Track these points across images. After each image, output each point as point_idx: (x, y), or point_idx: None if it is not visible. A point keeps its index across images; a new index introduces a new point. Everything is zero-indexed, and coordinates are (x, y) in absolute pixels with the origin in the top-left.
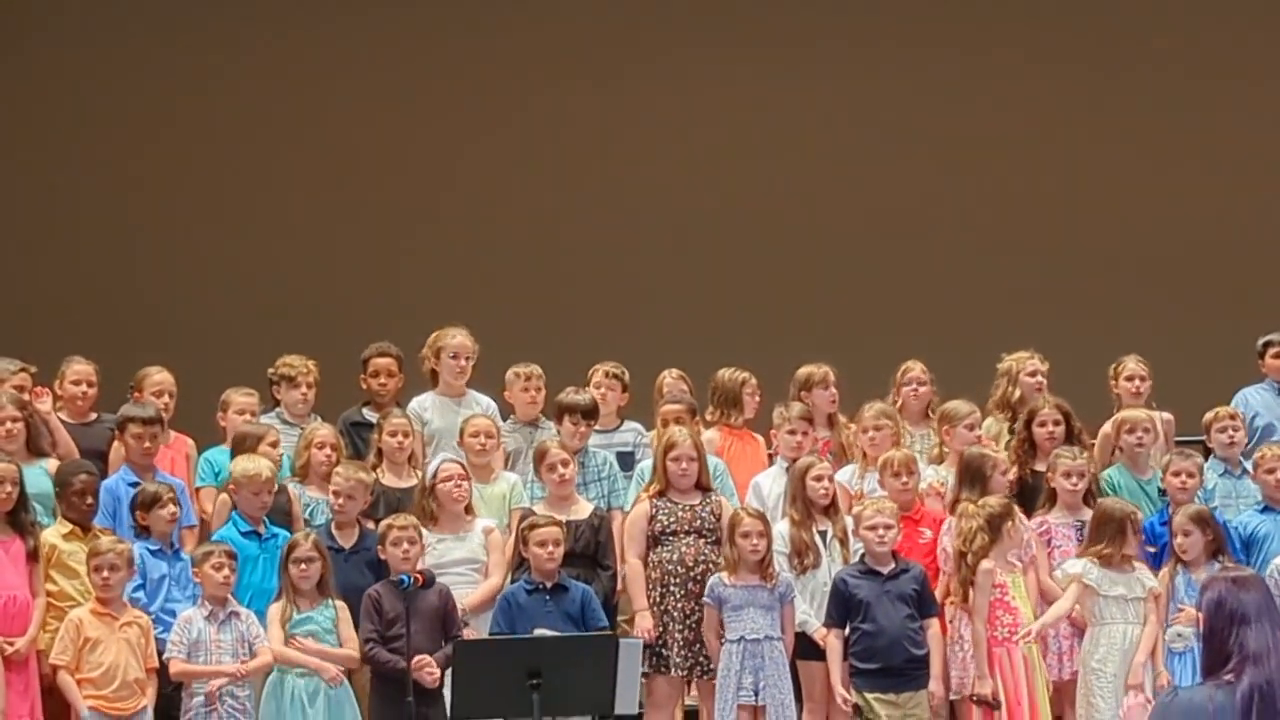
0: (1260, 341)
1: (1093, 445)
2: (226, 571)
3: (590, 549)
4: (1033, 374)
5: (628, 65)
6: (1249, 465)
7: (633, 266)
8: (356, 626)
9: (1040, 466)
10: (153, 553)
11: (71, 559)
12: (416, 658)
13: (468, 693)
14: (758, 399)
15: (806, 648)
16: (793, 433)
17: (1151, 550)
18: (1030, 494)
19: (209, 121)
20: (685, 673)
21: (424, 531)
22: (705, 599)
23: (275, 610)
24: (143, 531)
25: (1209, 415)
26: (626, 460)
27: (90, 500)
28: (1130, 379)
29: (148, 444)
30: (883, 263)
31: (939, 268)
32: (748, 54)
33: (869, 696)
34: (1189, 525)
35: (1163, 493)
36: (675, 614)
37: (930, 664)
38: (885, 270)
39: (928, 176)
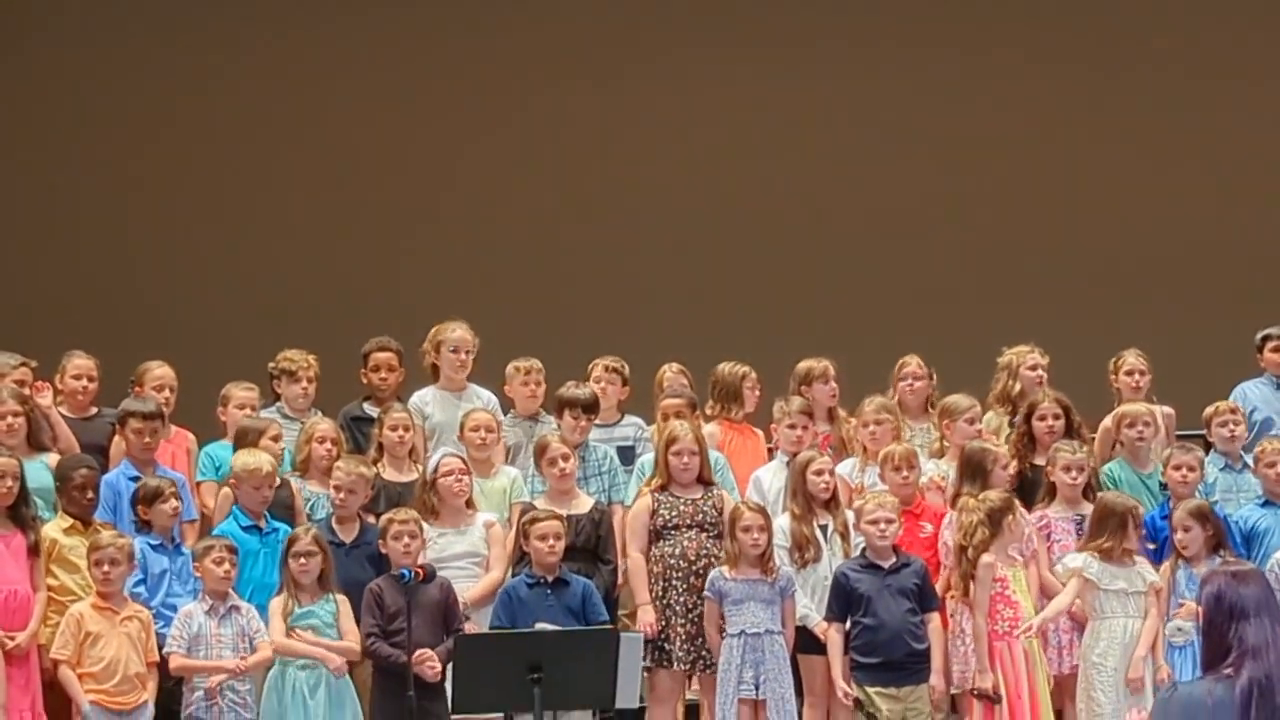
0: (1258, 336)
1: (1092, 439)
2: (227, 566)
3: (591, 543)
4: (1033, 368)
5: (628, 65)
6: (1250, 459)
7: (633, 262)
8: (357, 621)
9: (1040, 461)
10: (153, 547)
11: (72, 553)
12: (417, 652)
13: (469, 687)
14: (758, 393)
15: (807, 642)
16: (793, 427)
17: (1151, 547)
18: (1030, 488)
19: (209, 121)
20: (688, 667)
21: (425, 526)
22: (706, 593)
23: (277, 604)
24: (144, 526)
25: (1209, 410)
26: (627, 454)
27: (91, 495)
28: (1129, 373)
29: (148, 439)
30: (883, 259)
31: (939, 264)
32: (748, 54)
33: (870, 690)
34: (1189, 520)
35: (1164, 487)
36: (677, 608)
37: (931, 658)
38: (885, 266)
39: (928, 176)
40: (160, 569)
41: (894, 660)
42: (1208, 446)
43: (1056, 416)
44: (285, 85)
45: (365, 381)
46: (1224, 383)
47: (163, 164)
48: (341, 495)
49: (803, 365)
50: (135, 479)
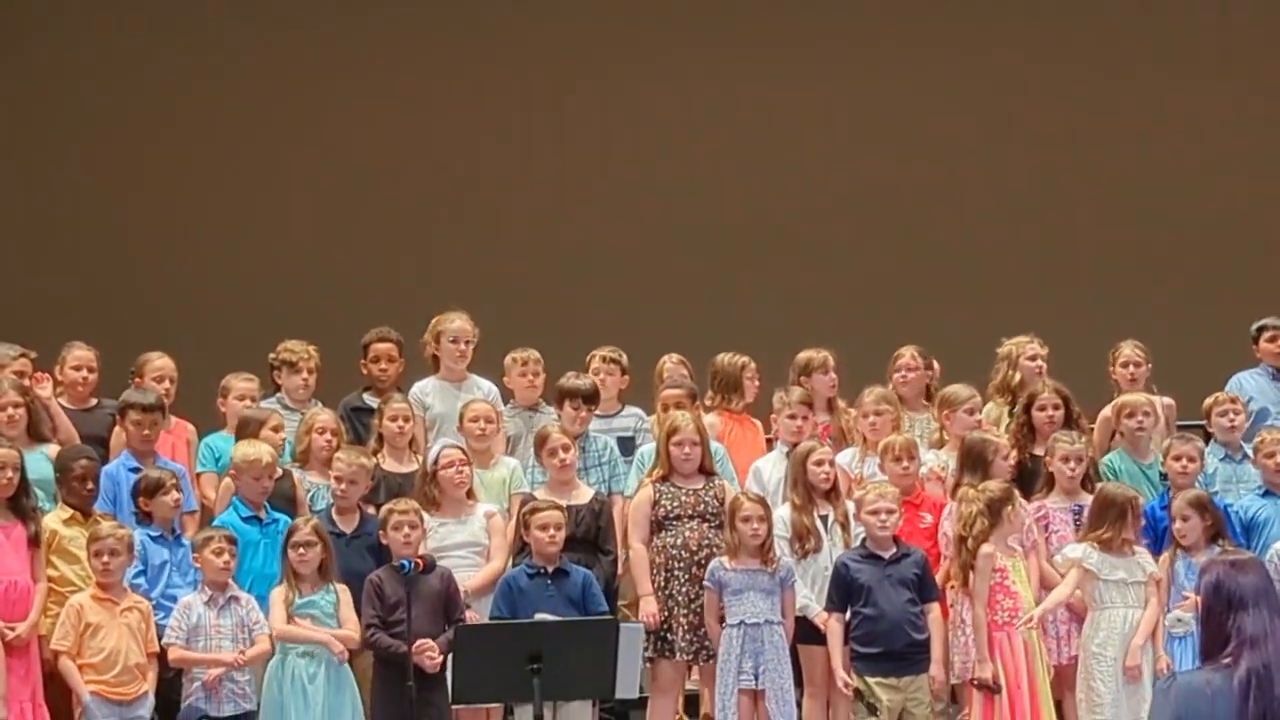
0: (1254, 326)
1: (1091, 430)
2: (227, 557)
3: (591, 534)
4: (1033, 358)
5: (628, 65)
6: (1249, 450)
7: (633, 253)
8: (358, 612)
9: (1039, 451)
10: (154, 538)
11: (72, 544)
12: (418, 642)
13: (469, 677)
14: (757, 384)
15: (807, 632)
16: (793, 417)
17: (1146, 542)
18: (1029, 478)
19: (209, 121)
20: (690, 657)
21: (425, 516)
22: (706, 583)
23: (278, 594)
24: (144, 517)
25: (1209, 400)
26: (627, 445)
27: (91, 485)
28: (1125, 365)
29: (148, 430)
30: (882, 251)
31: (939, 256)
32: (748, 54)
33: (870, 681)
34: (1187, 510)
35: (1164, 477)
36: (679, 599)
37: (931, 648)
38: (885, 258)
39: (927, 173)
40: (160, 560)
41: (894, 650)
42: (1207, 437)
43: (1056, 407)
44: (285, 85)
45: (365, 372)
46: (1223, 372)
47: (163, 164)
48: (342, 486)
49: (802, 356)
50: (135, 470)
